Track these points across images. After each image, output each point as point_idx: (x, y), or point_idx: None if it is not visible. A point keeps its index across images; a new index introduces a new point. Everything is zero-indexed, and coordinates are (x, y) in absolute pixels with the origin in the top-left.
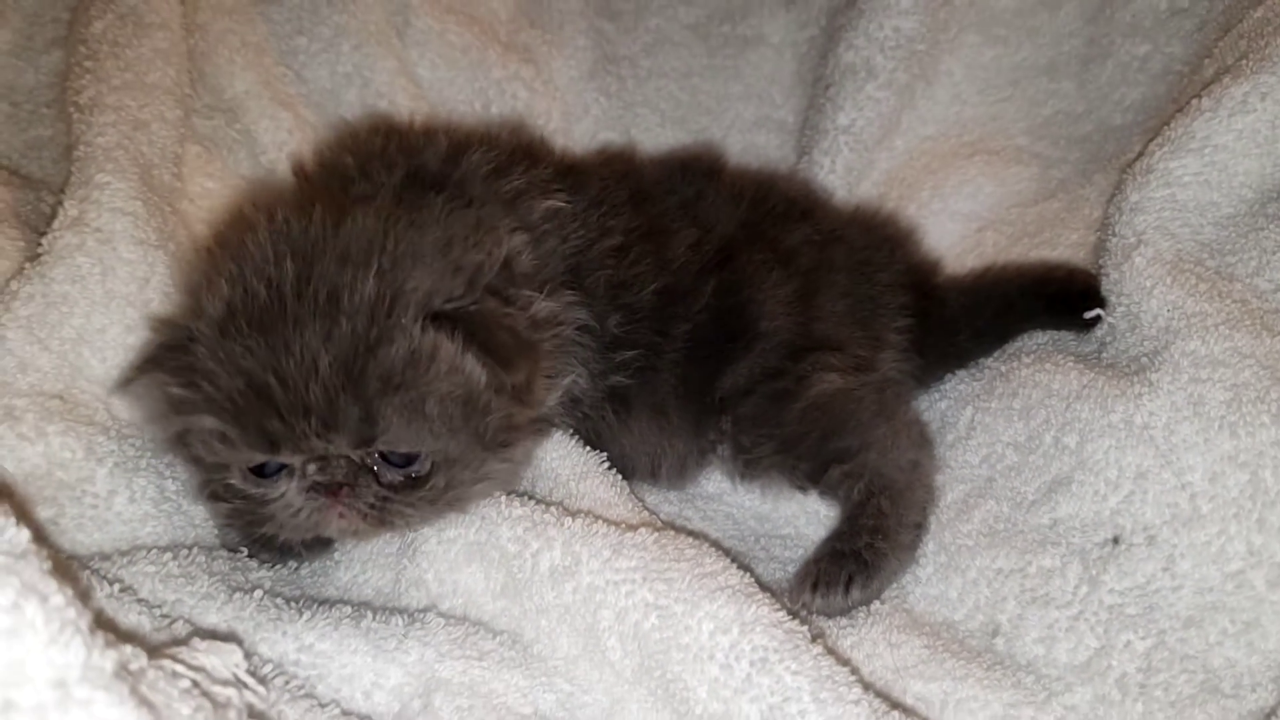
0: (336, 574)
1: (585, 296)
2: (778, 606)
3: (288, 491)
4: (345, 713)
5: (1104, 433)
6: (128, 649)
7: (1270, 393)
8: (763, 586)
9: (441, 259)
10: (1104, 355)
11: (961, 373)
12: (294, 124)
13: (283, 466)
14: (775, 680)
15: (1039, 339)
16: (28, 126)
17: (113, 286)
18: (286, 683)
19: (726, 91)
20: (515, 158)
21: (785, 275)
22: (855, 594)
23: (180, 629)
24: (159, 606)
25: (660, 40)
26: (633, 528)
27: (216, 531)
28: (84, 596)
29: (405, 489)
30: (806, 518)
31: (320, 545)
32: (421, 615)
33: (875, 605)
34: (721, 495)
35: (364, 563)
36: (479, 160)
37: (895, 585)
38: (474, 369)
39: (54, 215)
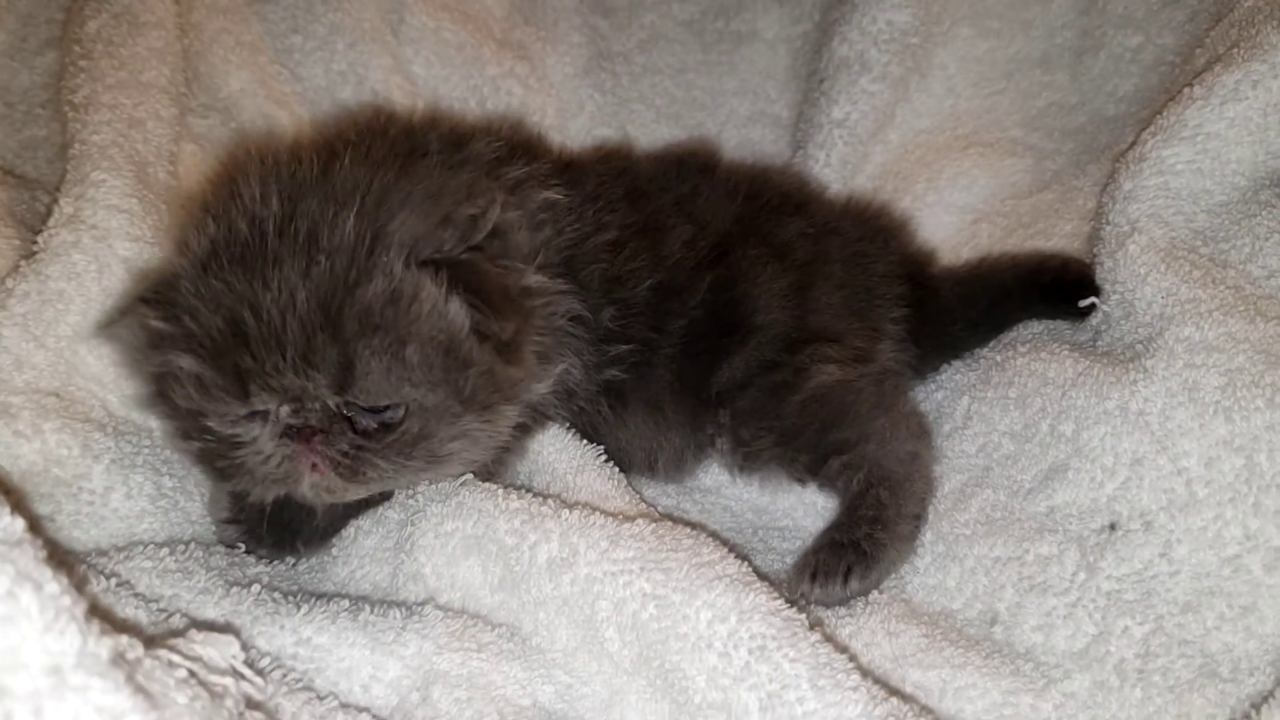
0: (334, 569)
1: (579, 288)
2: (775, 595)
3: (260, 437)
4: (343, 705)
5: (1100, 420)
6: (124, 638)
7: (1264, 377)
8: (761, 576)
9: (432, 206)
10: (1099, 343)
11: (957, 363)
12: (289, 122)
13: (256, 413)
14: (773, 668)
15: (1034, 328)
16: (22, 126)
17: (108, 284)
18: (284, 676)
19: (721, 87)
20: (516, 150)
21: (781, 269)
22: (854, 584)
23: (177, 623)
24: (156, 601)
25: (654, 36)
26: (630, 519)
27: (214, 528)
28: (80, 585)
29: (379, 436)
30: (804, 509)
31: (318, 540)
32: (419, 608)
33: (874, 595)
34: (719, 488)
35: (362, 558)
36: (482, 149)
37: (893, 575)
38: (457, 313)
39: (49, 214)
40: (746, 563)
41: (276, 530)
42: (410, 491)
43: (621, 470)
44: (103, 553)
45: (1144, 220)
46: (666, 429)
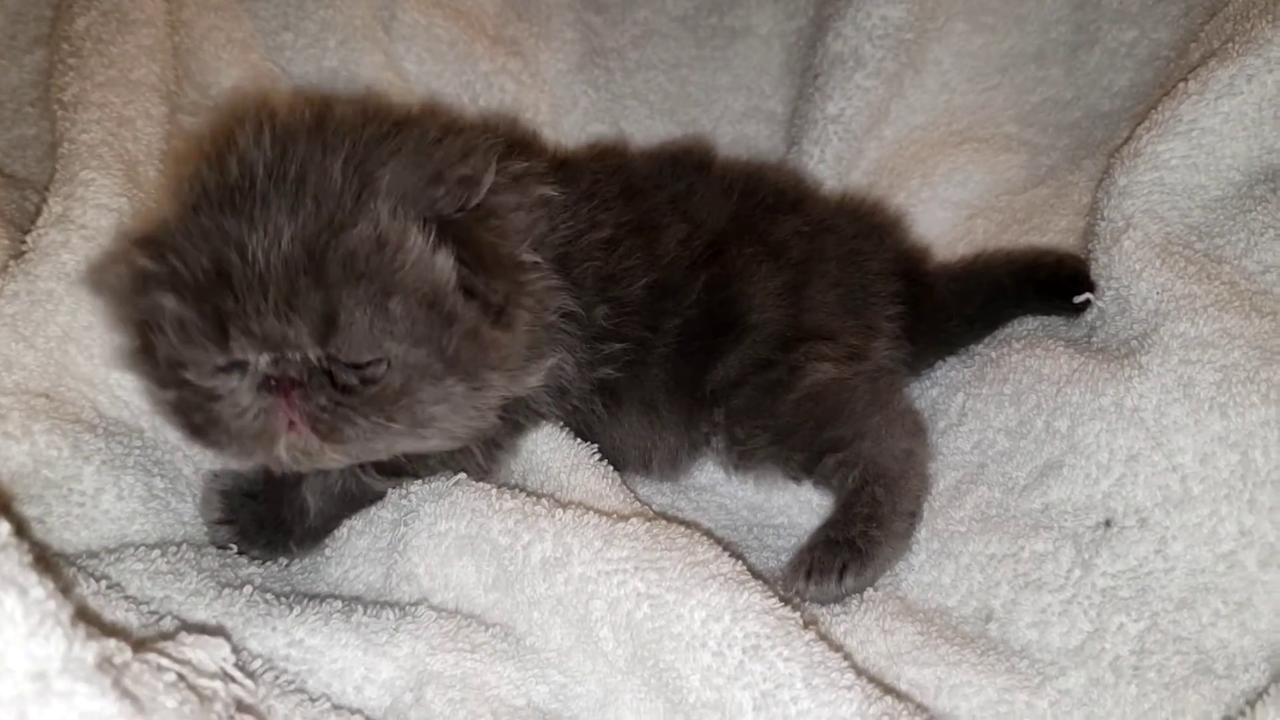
0: (327, 569)
1: (573, 286)
2: (769, 593)
3: (238, 388)
4: (336, 707)
5: (1095, 416)
6: (111, 642)
7: (1260, 373)
8: (756, 575)
9: (424, 160)
10: (1094, 339)
11: (952, 359)
12: None
13: (235, 364)
14: (768, 667)
15: (1029, 324)
16: (11, 125)
17: None
18: (276, 678)
19: (715, 83)
20: (514, 146)
21: (776, 267)
22: (849, 582)
23: (168, 625)
24: (147, 603)
25: (648, 32)
26: (624, 518)
27: (206, 529)
28: (66, 590)
29: (359, 392)
30: (799, 507)
31: (311, 540)
32: (413, 609)
33: (868, 592)
34: (714, 486)
35: (355, 558)
36: (483, 142)
37: (888, 572)
38: (443, 267)
39: (39, 213)
40: (741, 561)
41: (269, 531)
42: (403, 491)
43: (616, 469)
44: (93, 555)
45: (1139, 216)
46: (661, 428)
